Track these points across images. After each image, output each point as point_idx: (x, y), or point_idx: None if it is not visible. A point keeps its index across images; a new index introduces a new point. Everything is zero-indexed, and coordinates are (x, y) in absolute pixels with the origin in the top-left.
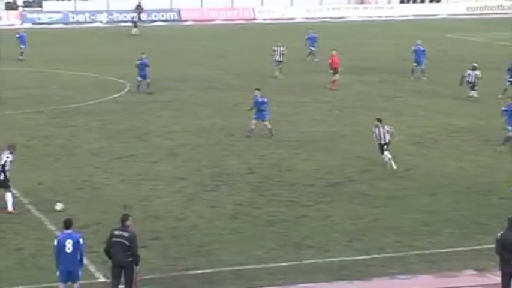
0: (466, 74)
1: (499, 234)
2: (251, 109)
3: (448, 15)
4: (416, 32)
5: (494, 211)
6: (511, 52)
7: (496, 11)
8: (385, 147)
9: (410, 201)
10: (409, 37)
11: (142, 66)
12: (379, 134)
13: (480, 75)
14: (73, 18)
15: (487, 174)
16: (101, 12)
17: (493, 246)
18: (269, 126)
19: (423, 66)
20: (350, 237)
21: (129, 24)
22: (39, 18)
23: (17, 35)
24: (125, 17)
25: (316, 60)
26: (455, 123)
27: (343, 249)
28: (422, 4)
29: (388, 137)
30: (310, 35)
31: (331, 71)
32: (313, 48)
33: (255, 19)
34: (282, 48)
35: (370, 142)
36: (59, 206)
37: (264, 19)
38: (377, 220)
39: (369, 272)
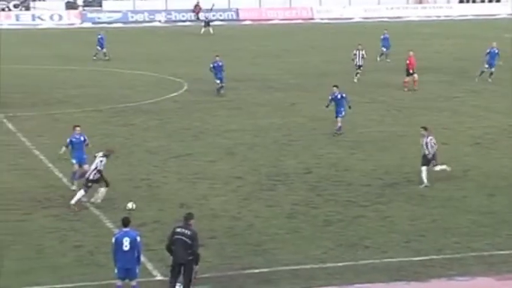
0: None
1: None
2: (327, 106)
3: (508, 14)
4: (475, 32)
5: None
6: None
7: None
8: (432, 162)
9: (469, 202)
10: (468, 37)
11: (219, 69)
12: (424, 143)
13: None
14: (132, 17)
15: None
16: (159, 11)
17: None
18: (339, 124)
19: (493, 69)
20: (408, 237)
21: (187, 23)
22: (98, 18)
23: (99, 36)
24: (183, 16)
25: (388, 60)
26: None
27: (401, 250)
28: (482, 4)
29: (431, 150)
30: (384, 36)
31: (410, 71)
32: (384, 49)
33: (313, 18)
34: (362, 52)
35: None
36: (130, 204)
37: (322, 18)
38: (435, 221)
39: (426, 273)
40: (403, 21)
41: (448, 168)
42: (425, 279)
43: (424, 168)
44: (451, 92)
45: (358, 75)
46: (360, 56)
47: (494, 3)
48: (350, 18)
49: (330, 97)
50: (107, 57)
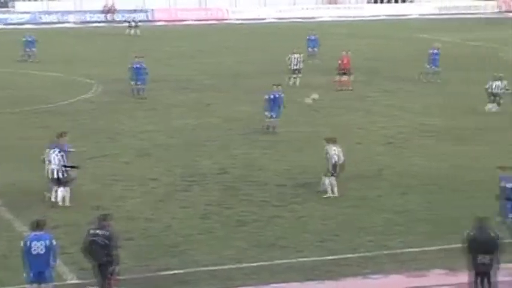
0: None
1: (468, 234)
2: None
3: (420, 15)
4: (387, 32)
5: (465, 210)
6: (483, 52)
7: (468, 11)
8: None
9: (383, 201)
10: (381, 37)
11: (137, 71)
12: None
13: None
14: (42, 18)
15: (458, 174)
16: (71, 12)
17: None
18: (272, 124)
19: (438, 69)
20: (322, 237)
21: (100, 24)
22: (10, 19)
23: (26, 38)
24: (98, 17)
25: (316, 61)
26: (427, 123)
27: (316, 249)
28: (393, 4)
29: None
30: (309, 37)
31: (343, 71)
32: (310, 50)
33: (227, 19)
34: (296, 56)
35: (344, 142)
36: (312, 96)
37: (237, 19)
38: (350, 220)
39: (341, 272)
40: (316, 21)
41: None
42: (339, 278)
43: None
44: (366, 92)
45: (295, 79)
46: (297, 60)
47: (406, 4)
48: (264, 19)
49: (268, 96)
50: (35, 59)
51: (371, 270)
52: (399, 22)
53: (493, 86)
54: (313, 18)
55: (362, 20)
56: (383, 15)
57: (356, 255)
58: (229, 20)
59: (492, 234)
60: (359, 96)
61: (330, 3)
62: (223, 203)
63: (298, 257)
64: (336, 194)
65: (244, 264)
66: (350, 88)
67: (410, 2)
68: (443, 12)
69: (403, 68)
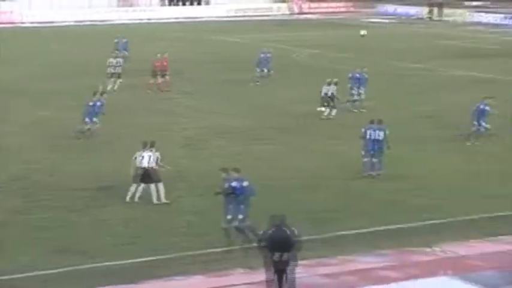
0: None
1: (265, 232)
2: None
3: (215, 17)
4: (184, 35)
5: (261, 210)
6: (276, 53)
7: (261, 13)
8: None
9: (183, 203)
10: (178, 40)
11: None
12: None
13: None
14: None
15: (256, 173)
16: None
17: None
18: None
19: (270, 72)
20: (123, 240)
21: None
22: None
23: None
24: None
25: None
26: (225, 124)
27: (116, 253)
28: (188, 7)
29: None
30: (119, 40)
31: (158, 73)
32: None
33: (22, 22)
34: (116, 60)
35: None
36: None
37: (32, 22)
38: (151, 223)
39: (143, 274)
40: (111, 24)
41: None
42: (141, 281)
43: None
44: (169, 93)
45: (114, 83)
46: (116, 64)
47: (201, 6)
48: (61, 22)
49: (92, 103)
50: None
51: (174, 271)
52: (195, 24)
53: (324, 91)
54: (108, 20)
55: (158, 22)
56: (179, 18)
57: (158, 257)
58: (24, 23)
59: (289, 233)
60: (161, 98)
61: (124, 5)
62: (22, 210)
63: (98, 261)
64: (162, 201)
65: (42, 272)
66: (167, 89)
67: (206, 4)
68: (238, 14)
69: (203, 70)
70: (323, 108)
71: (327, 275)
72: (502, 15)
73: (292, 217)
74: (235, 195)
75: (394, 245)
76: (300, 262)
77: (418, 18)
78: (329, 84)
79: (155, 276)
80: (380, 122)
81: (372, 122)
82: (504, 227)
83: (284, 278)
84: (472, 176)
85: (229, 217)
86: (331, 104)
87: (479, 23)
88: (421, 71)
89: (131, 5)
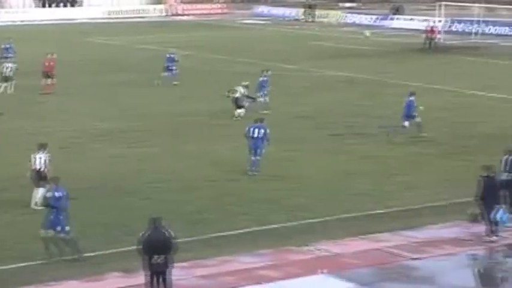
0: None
1: (142, 234)
2: None
3: (89, 19)
4: (58, 36)
5: (138, 212)
6: (151, 54)
7: (137, 15)
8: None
9: None
10: (53, 41)
11: None
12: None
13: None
14: None
15: (130, 177)
16: None
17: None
18: None
19: (174, 74)
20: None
21: None
22: None
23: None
24: None
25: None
26: (99, 126)
27: None
28: (62, 8)
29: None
30: (5, 45)
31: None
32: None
33: None
34: (10, 65)
35: (16, 148)
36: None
37: None
38: (23, 229)
39: (17, 280)
40: None
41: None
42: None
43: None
44: (45, 96)
45: (6, 87)
46: (10, 68)
47: (75, 8)
48: None
49: None
50: None
51: (48, 277)
52: (69, 26)
53: (237, 93)
54: None
55: (31, 24)
56: (53, 20)
57: (32, 263)
58: None
59: (167, 235)
60: (38, 101)
61: None
62: None
63: None
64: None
65: None
66: (51, 92)
67: (79, 6)
68: (113, 16)
69: (78, 72)
70: (239, 110)
71: (204, 276)
72: (375, 17)
73: (169, 219)
74: (53, 206)
75: (273, 245)
76: (177, 264)
77: (294, 20)
78: (243, 87)
79: (26, 283)
80: (262, 120)
81: (255, 121)
82: (378, 225)
83: (161, 280)
84: (347, 175)
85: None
86: (241, 104)
87: (353, 24)
88: (296, 72)
89: (2, 7)
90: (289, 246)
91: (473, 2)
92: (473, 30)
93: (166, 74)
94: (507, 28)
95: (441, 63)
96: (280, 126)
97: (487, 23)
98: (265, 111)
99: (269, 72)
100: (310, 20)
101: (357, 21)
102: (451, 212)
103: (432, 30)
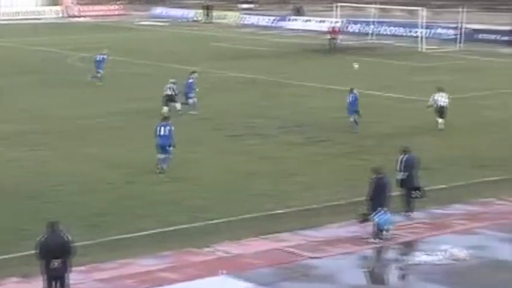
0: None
1: (40, 239)
2: None
3: None
4: None
5: (37, 216)
6: (48, 56)
7: (33, 16)
8: None
9: None
10: None
11: None
12: None
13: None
14: None
15: (30, 180)
16: None
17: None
18: None
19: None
20: None
21: None
22: None
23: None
24: None
25: None
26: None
27: None
28: None
29: None
30: None
31: None
32: None
33: None
34: None
35: None
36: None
37: None
38: None
39: None
40: None
41: None
42: None
43: None
44: None
45: None
46: None
47: None
48: None
49: None
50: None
51: None
52: None
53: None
54: None
55: None
56: None
57: None
58: None
59: (65, 239)
60: None
61: None
62: None
63: None
64: None
65: None
66: None
67: None
68: (6, 18)
69: None
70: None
71: (103, 280)
72: (273, 18)
73: (69, 222)
74: None
75: (174, 246)
76: (75, 268)
77: (193, 21)
78: (173, 83)
79: None
80: (167, 119)
81: (162, 120)
82: (278, 225)
83: (59, 284)
84: (247, 176)
85: None
86: (174, 99)
87: (251, 25)
88: None
89: None
90: (191, 247)
91: (369, 3)
92: (369, 31)
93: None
94: (401, 28)
95: (338, 64)
96: (180, 127)
97: (382, 23)
98: (193, 112)
99: (195, 74)
100: (208, 21)
101: (255, 23)
102: (349, 211)
103: (334, 31)
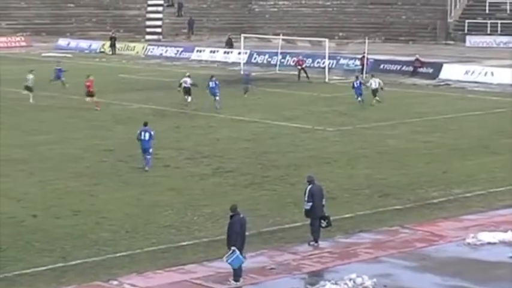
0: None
1: None
2: None
3: None
4: None
5: None
6: None
7: None
8: None
9: None
10: None
11: None
12: None
13: None
14: None
15: None
16: None
17: None
18: None
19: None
20: None
21: None
22: None
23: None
24: None
25: None
26: None
27: None
28: None
29: None
30: None
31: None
32: None
33: None
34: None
35: None
36: None
37: None
38: None
39: None
40: None
41: None
42: None
43: None
44: None
45: None
46: None
47: None
48: None
49: None
50: None
51: None
52: None
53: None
54: None
55: None
56: None
57: None
58: None
59: None
60: None
61: None
62: None
63: None
64: None
65: None
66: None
67: None
68: None
69: None
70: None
71: None
72: (180, 49)
73: None
74: None
75: (79, 280)
76: None
77: (100, 52)
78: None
79: None
80: (146, 124)
81: (144, 125)
82: (185, 256)
83: None
84: (152, 207)
85: None
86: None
87: (158, 57)
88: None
89: None
90: (96, 281)
91: (275, 35)
92: (274, 62)
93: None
94: (307, 59)
95: (241, 95)
96: (81, 159)
97: (286, 54)
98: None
99: (214, 78)
100: (113, 52)
101: (162, 54)
102: (257, 242)
103: (300, 62)
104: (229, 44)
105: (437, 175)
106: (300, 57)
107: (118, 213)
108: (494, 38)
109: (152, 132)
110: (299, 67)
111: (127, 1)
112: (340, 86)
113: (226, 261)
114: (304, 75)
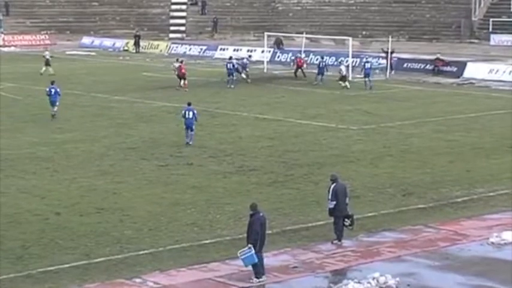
0: None
1: None
2: None
3: None
4: None
5: None
6: None
7: None
8: None
9: None
10: None
11: None
12: None
13: None
14: None
15: None
16: None
17: None
18: None
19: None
20: None
21: None
22: None
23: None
24: None
25: None
26: None
27: None
28: None
29: None
30: None
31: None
32: None
33: None
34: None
35: None
36: None
37: None
38: None
39: None
40: None
41: None
42: None
43: None
44: None
45: None
46: None
47: None
48: None
49: None
50: None
51: None
52: None
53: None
54: None
55: None
56: None
57: None
58: None
59: None
60: None
61: None
62: None
63: None
64: None
65: None
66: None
67: None
68: None
69: None
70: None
71: None
72: (204, 47)
73: None
74: None
75: (103, 278)
76: None
77: (124, 50)
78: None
79: None
80: (190, 104)
81: (188, 105)
82: (208, 254)
83: None
84: (175, 205)
85: None
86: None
87: (181, 55)
88: (123, 103)
89: None
90: (119, 279)
91: (298, 33)
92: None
93: None
94: (331, 58)
95: (267, 93)
96: (107, 157)
97: (310, 53)
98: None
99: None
100: (137, 50)
101: (185, 52)
102: (281, 241)
103: (300, 62)
104: (279, 44)
105: (461, 174)
106: (298, 55)
107: (141, 211)
108: None
109: (195, 111)
110: (295, 67)
111: None
112: (363, 84)
113: (239, 256)
114: (301, 74)
